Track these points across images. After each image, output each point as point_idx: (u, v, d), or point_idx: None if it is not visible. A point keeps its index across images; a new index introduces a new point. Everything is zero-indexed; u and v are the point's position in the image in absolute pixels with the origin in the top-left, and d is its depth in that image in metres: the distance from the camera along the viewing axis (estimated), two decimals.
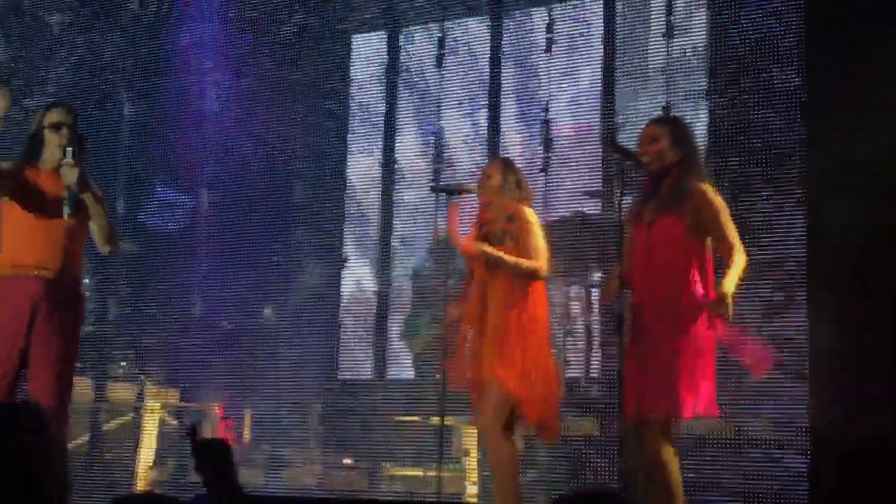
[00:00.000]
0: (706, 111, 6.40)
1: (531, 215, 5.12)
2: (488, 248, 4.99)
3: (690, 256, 4.47)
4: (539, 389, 4.92)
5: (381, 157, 7.71)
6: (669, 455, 4.41)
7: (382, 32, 7.78)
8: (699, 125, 6.18)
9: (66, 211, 4.67)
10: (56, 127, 4.79)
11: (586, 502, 1.64)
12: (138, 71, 8.24)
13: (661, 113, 6.37)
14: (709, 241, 4.53)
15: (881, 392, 4.97)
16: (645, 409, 4.38)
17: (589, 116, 6.92)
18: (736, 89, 6.22)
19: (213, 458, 2.35)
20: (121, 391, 7.76)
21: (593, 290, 6.88)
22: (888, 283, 5.05)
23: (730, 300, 4.34)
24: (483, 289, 5.09)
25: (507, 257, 4.97)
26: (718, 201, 4.52)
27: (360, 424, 7.25)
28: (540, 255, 5.00)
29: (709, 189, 4.53)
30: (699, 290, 4.45)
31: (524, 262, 4.97)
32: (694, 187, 4.51)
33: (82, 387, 7.06)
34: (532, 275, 4.98)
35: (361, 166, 7.81)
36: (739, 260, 4.45)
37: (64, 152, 4.73)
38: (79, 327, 4.72)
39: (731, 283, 4.40)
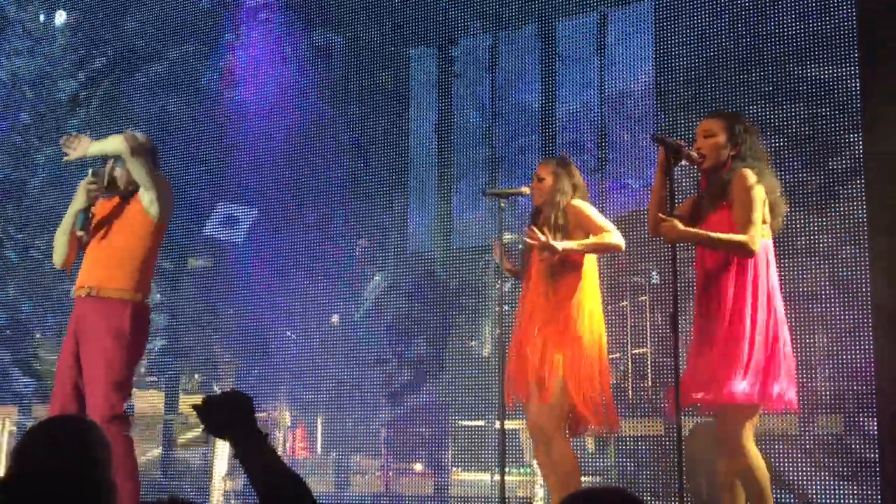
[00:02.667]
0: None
1: (578, 205, 5.01)
2: (564, 245, 4.86)
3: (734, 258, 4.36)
4: (585, 390, 4.89)
5: (436, 161, 7.73)
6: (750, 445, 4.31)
7: (434, 48, 7.84)
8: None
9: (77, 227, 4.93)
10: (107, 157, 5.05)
11: (593, 501, 1.64)
12: (196, 92, 8.47)
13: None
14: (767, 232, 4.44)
15: None
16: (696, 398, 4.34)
17: (643, 112, 6.86)
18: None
19: (235, 408, 2.29)
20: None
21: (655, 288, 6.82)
22: None
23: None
24: (528, 291, 5.10)
25: (582, 244, 4.90)
26: (748, 185, 4.30)
27: (426, 429, 7.28)
28: (605, 227, 4.93)
29: (748, 174, 4.32)
30: (747, 283, 4.36)
31: (599, 243, 4.90)
32: (734, 174, 4.36)
33: (154, 400, 7.23)
34: (613, 249, 4.95)
35: (420, 172, 7.86)
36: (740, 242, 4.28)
37: (90, 172, 4.99)
38: (122, 338, 4.76)
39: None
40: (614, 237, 4.93)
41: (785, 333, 4.38)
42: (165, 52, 8.73)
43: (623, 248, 5.01)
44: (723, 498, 4.41)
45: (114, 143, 4.90)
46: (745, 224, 4.28)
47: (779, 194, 4.46)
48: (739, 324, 4.29)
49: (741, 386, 4.22)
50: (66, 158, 5.05)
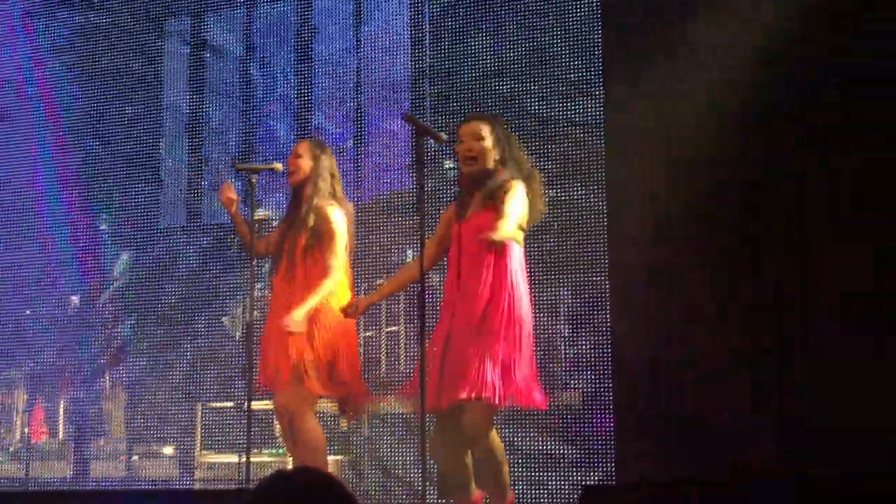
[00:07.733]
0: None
1: (334, 219, 4.98)
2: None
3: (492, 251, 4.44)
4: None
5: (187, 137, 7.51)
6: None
7: (187, 18, 7.60)
8: None
9: None
10: None
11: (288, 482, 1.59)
12: None
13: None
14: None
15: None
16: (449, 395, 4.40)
17: (398, 93, 6.89)
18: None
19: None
20: None
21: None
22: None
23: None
24: None
25: (312, 302, 4.87)
26: (512, 195, 4.45)
27: (173, 412, 7.08)
28: (330, 269, 4.92)
29: (515, 185, 4.47)
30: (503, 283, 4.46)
31: (319, 295, 4.88)
32: (504, 184, 4.48)
33: None
34: (330, 294, 4.92)
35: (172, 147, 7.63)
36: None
37: None
38: None
39: None
40: (328, 285, 4.91)
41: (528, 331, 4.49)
42: None
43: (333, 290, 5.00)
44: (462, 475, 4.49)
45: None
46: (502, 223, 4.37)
47: (539, 194, 4.60)
48: (494, 320, 4.38)
49: (499, 384, 4.31)
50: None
